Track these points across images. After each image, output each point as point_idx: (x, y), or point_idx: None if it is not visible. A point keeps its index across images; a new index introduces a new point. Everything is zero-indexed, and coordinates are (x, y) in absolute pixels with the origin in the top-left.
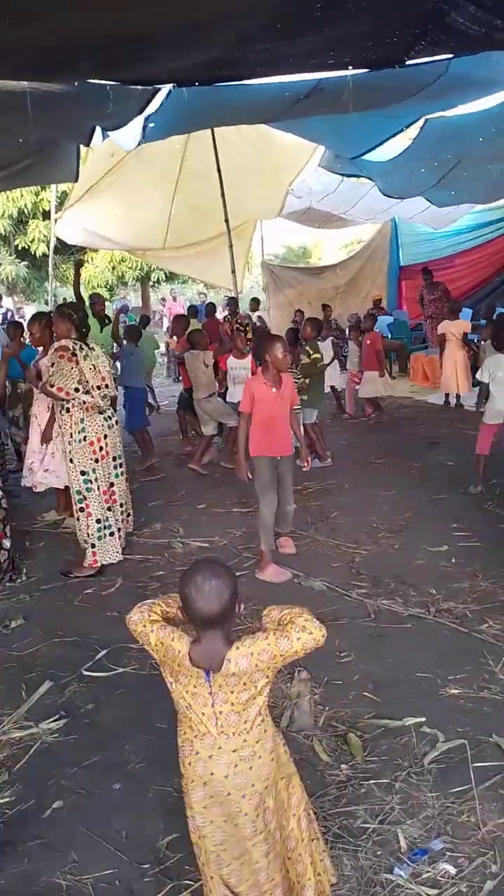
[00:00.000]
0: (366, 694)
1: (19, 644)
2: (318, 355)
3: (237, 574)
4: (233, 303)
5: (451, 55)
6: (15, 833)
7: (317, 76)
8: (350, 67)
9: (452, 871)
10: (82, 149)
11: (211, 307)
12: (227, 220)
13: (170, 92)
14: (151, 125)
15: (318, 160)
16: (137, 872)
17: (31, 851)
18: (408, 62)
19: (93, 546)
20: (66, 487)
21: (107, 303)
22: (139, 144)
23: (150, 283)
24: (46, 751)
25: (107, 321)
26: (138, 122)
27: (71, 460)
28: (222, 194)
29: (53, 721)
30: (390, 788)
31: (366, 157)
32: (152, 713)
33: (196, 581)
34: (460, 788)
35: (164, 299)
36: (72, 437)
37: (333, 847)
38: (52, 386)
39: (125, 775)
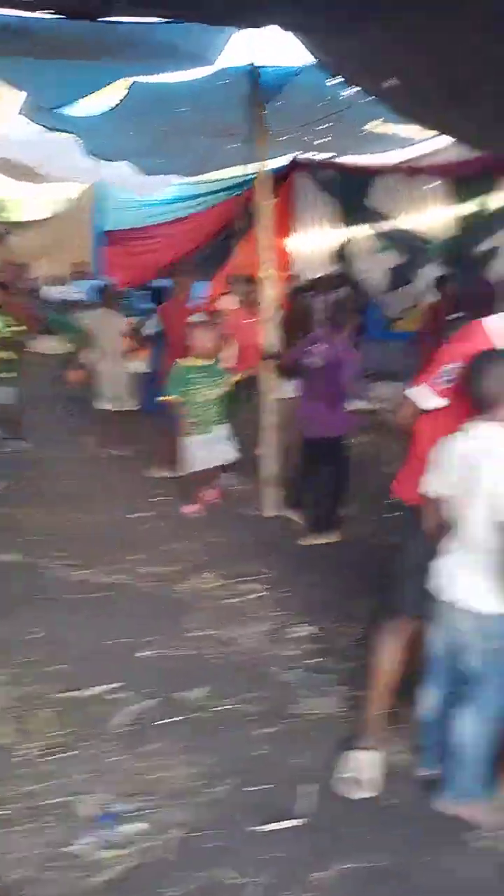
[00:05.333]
0: (56, 668)
1: None
2: None
3: None
4: None
5: (155, 19)
6: None
7: (12, 12)
8: (42, 11)
9: (139, 829)
10: None
11: None
12: None
13: None
14: None
15: (16, 107)
16: None
17: None
18: (109, 18)
19: None
20: None
21: None
22: None
23: None
24: None
25: None
26: None
27: None
28: None
29: None
30: (79, 759)
31: (68, 111)
32: None
33: None
34: (148, 748)
35: None
36: None
37: (16, 831)
38: None
39: None
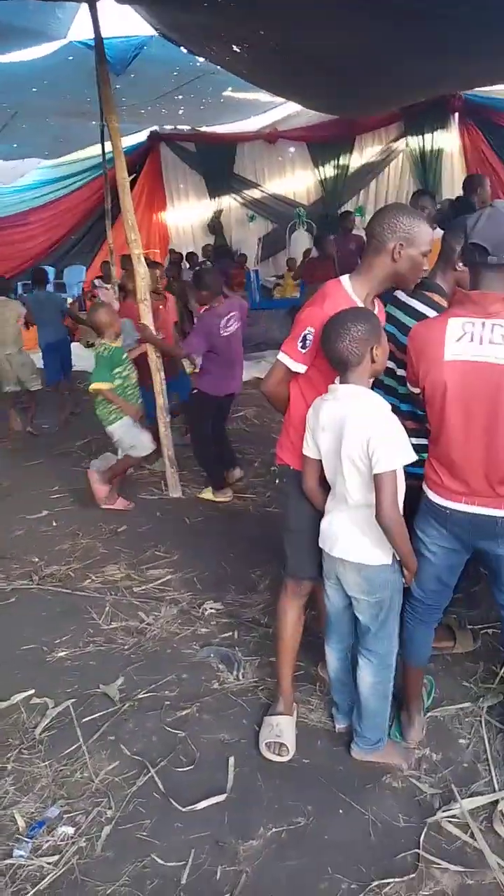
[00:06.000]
0: None
1: None
2: None
3: None
4: None
5: None
6: None
7: None
8: None
9: (71, 831)
10: None
11: None
12: None
13: None
14: None
15: None
16: None
17: None
18: None
19: None
20: None
21: None
22: None
23: None
24: None
25: None
26: None
27: None
28: None
29: None
30: (2, 771)
31: None
32: None
33: None
34: (72, 748)
35: None
36: None
37: None
38: None
39: None
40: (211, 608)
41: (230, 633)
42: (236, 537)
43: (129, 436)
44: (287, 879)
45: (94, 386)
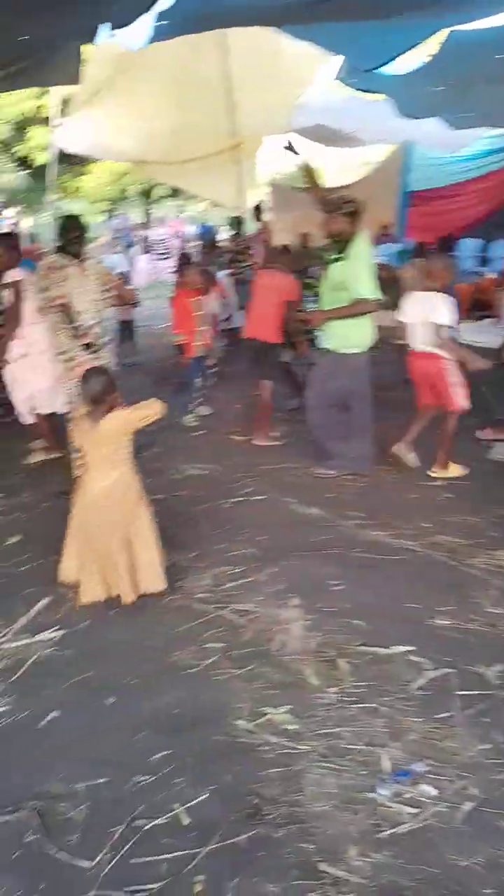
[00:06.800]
0: (355, 622)
1: (16, 561)
2: None
3: (235, 499)
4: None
5: None
6: (8, 743)
7: None
8: None
9: (433, 792)
10: (85, 49)
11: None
12: (233, 134)
13: None
14: (162, 22)
15: (331, 72)
16: (128, 783)
17: (24, 761)
18: None
19: None
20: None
21: (103, 219)
22: (149, 43)
23: (151, 200)
24: (42, 663)
25: None
26: (147, 18)
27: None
28: (230, 105)
29: (52, 632)
30: (376, 712)
31: (382, 70)
32: (144, 635)
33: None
34: (444, 715)
35: (164, 218)
36: None
37: (318, 766)
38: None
39: (118, 691)
40: None
41: None
42: None
43: None
44: None
45: None
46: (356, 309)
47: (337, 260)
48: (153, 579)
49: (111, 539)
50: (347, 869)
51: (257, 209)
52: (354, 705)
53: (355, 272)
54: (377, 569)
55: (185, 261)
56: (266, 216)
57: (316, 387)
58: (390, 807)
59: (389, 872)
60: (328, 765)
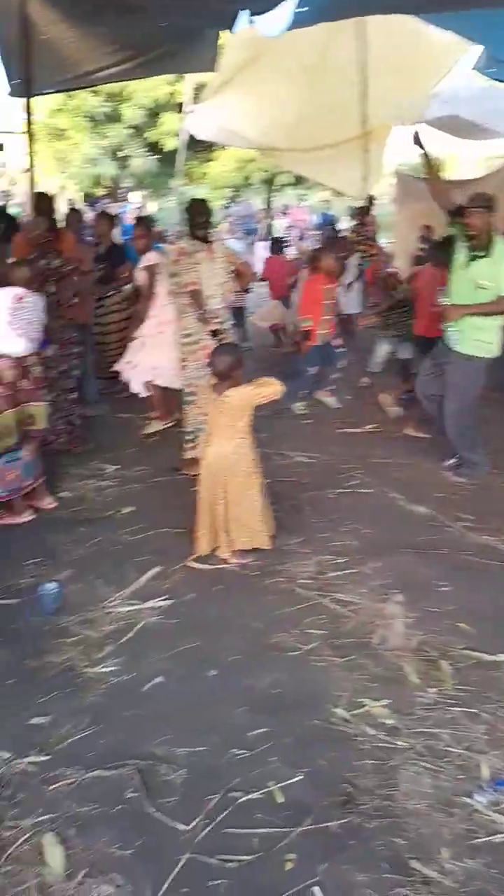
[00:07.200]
0: (460, 625)
1: (129, 530)
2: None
3: (341, 490)
4: (362, 212)
5: None
6: (114, 702)
7: None
8: None
9: None
10: (221, 36)
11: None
12: (364, 122)
13: None
14: (303, 9)
15: (470, 62)
16: (226, 755)
17: (128, 721)
18: None
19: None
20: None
21: (223, 206)
22: (287, 29)
23: (274, 188)
24: (149, 630)
25: None
26: (287, 5)
27: (184, 359)
28: (363, 93)
29: (160, 600)
30: (477, 718)
31: None
32: (247, 613)
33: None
34: None
35: (286, 206)
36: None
37: (415, 764)
38: None
39: (220, 665)
40: None
41: None
42: None
43: None
44: None
45: None
46: (497, 306)
47: (477, 257)
48: (253, 540)
49: (219, 501)
50: (439, 870)
51: (369, 201)
52: (455, 708)
53: (500, 271)
54: (486, 573)
55: (327, 245)
56: (374, 210)
57: (452, 391)
58: (487, 815)
59: (481, 880)
60: (425, 764)
